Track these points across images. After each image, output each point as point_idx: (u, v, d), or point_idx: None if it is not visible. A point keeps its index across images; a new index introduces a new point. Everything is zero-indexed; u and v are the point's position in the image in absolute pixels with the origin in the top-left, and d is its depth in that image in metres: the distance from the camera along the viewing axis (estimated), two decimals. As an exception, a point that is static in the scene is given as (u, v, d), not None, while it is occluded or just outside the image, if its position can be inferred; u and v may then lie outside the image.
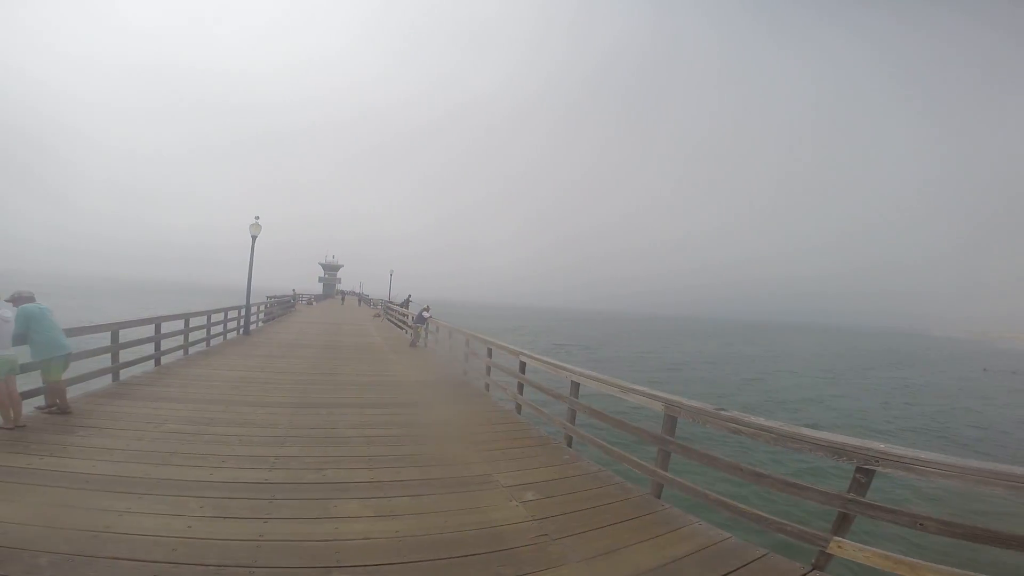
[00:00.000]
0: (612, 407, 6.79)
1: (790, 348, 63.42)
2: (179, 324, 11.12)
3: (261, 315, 21.88)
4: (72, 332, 7.09)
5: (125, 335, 8.58)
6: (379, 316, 30.56)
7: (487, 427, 7.17)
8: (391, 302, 38.94)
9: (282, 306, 29.13)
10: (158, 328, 9.78)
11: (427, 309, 15.89)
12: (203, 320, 12.70)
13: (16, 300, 5.63)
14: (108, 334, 8.07)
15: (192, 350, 11.76)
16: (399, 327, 24.66)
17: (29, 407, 5.95)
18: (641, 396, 5.33)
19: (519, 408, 8.12)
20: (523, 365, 8.14)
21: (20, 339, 5.52)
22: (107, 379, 7.97)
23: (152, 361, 9.65)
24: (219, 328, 14.17)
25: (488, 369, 9.72)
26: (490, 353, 9.80)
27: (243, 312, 16.44)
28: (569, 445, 6.44)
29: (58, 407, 5.92)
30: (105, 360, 8.00)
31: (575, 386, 6.52)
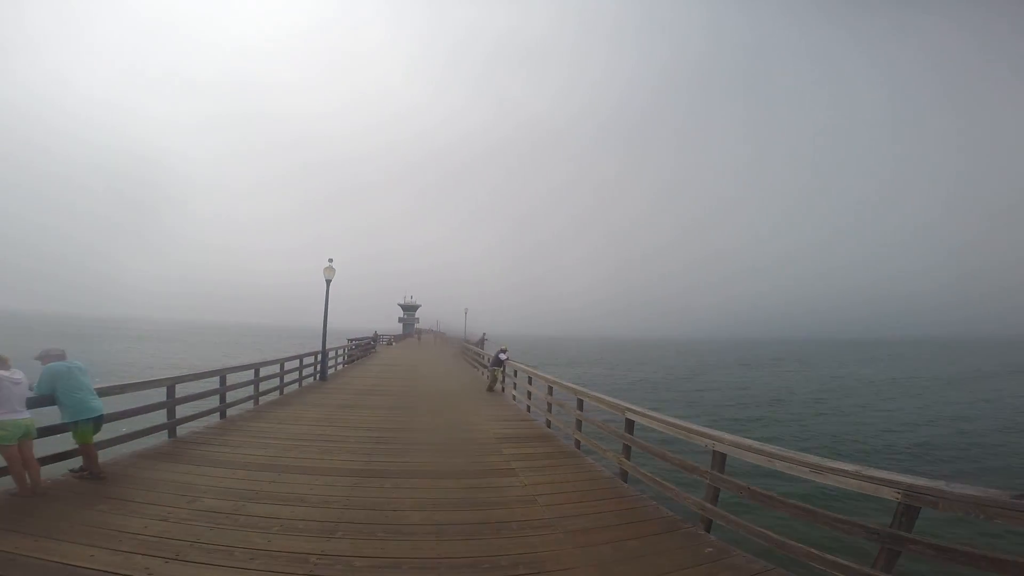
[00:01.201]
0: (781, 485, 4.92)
1: (921, 367, 54.13)
2: (249, 374, 10.75)
3: (341, 358, 22.00)
4: (125, 388, 6.61)
5: (186, 388, 8.13)
6: (456, 356, 29.92)
7: (587, 505, 5.55)
8: (467, 340, 38.52)
9: (362, 348, 29.44)
10: (223, 380, 9.34)
11: (504, 350, 14.59)
12: (275, 368, 12.34)
13: (44, 358, 5.24)
14: (164, 389, 7.62)
15: (265, 399, 11.35)
16: (474, 367, 23.71)
17: (63, 469, 5.39)
18: (855, 479, 3.57)
19: (625, 475, 6.41)
20: (630, 424, 6.44)
21: (45, 400, 5.10)
22: (164, 435, 7.48)
23: (218, 414, 9.18)
24: (294, 375, 13.87)
25: (579, 424, 8.10)
26: (581, 405, 8.19)
27: (319, 358, 16.20)
28: (708, 530, 4.74)
29: (90, 472, 5.32)
30: (163, 415, 7.54)
31: (718, 459, 4.75)
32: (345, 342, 29.82)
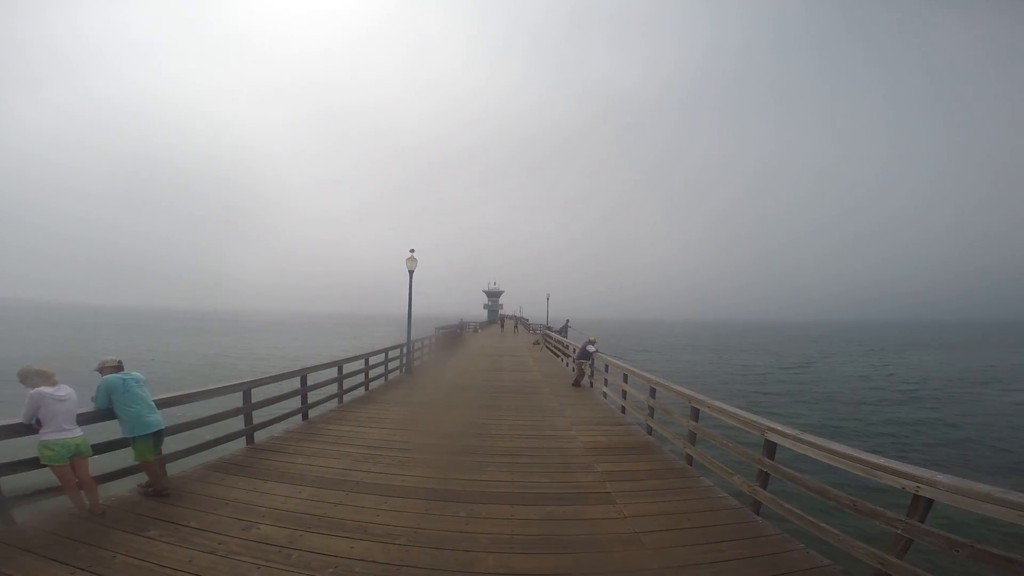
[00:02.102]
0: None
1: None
2: (334, 371, 10.64)
3: (432, 347, 22.18)
4: (193, 396, 6.42)
5: (263, 392, 7.99)
6: (538, 344, 29.11)
7: (710, 549, 4.32)
8: (549, 328, 37.55)
9: (450, 337, 29.84)
10: (304, 380, 9.15)
11: (592, 341, 13.33)
12: (360, 364, 12.22)
13: (101, 369, 5.04)
14: (240, 394, 7.45)
15: (352, 396, 11.26)
16: (557, 356, 22.70)
17: (132, 483, 5.21)
18: None
19: (758, 507, 5.05)
20: (771, 447, 5.03)
21: (103, 414, 4.90)
22: (241, 442, 7.33)
23: (300, 416, 9.05)
24: (380, 369, 13.80)
25: (692, 436, 6.75)
26: (696, 415, 6.81)
27: (404, 351, 16.14)
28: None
29: (154, 489, 5.06)
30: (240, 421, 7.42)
31: (921, 506, 3.31)
32: (433, 331, 30.58)
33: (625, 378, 10.26)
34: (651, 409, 8.53)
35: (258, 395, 7.89)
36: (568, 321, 33.55)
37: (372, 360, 12.92)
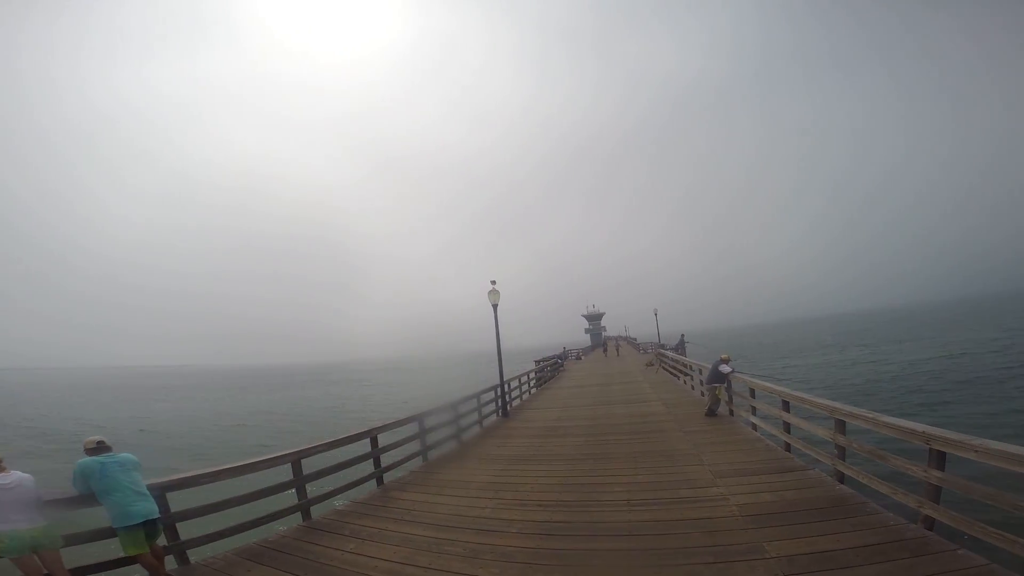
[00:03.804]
0: None
1: None
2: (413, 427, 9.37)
3: (531, 382, 20.58)
4: (227, 474, 5.45)
5: (323, 460, 6.84)
6: (651, 364, 26.03)
7: None
8: (663, 346, 34.01)
9: (551, 368, 28.06)
10: (374, 441, 7.93)
11: (726, 360, 10.61)
12: (449, 414, 10.89)
13: (85, 451, 4.50)
14: (289, 466, 6.38)
15: (440, 450, 9.92)
16: (676, 376, 19.69)
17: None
18: None
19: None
20: None
21: (80, 500, 4.39)
22: (295, 520, 6.28)
23: (374, 481, 7.80)
24: (474, 416, 12.39)
25: (934, 491, 4.21)
26: (940, 461, 4.27)
27: (499, 392, 14.64)
28: None
29: None
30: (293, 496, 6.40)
31: None
32: (532, 364, 29.04)
33: (786, 406, 7.55)
34: (840, 449, 5.89)
35: (317, 463, 6.82)
36: (684, 336, 29.96)
37: (461, 408, 11.53)
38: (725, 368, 10.38)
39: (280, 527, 6.16)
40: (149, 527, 4.42)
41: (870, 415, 5.38)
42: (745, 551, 4.37)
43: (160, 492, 4.85)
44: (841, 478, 5.87)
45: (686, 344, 29.09)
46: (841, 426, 5.89)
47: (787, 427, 7.57)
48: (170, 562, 4.93)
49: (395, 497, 7.04)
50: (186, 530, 5.27)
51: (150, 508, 4.40)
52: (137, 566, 4.44)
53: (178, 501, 5.20)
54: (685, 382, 17.45)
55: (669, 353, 24.74)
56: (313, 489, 6.73)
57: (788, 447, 7.52)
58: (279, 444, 20.36)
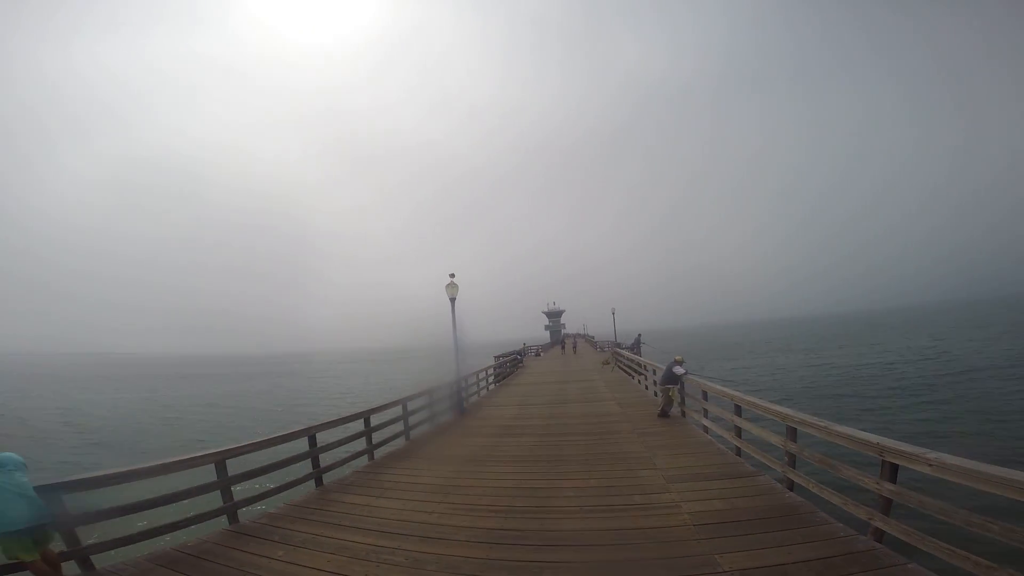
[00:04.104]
0: None
1: None
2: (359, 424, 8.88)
3: (490, 378, 20.33)
4: (157, 471, 4.95)
5: (254, 459, 6.30)
6: (608, 363, 26.31)
7: None
8: (619, 345, 34.56)
9: (511, 364, 27.92)
10: (312, 440, 7.43)
11: (680, 362, 10.69)
12: (397, 411, 10.43)
13: None
14: (212, 466, 5.84)
15: (387, 448, 9.49)
16: (631, 375, 19.95)
17: None
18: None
19: None
20: None
21: None
22: (221, 523, 5.77)
23: (313, 481, 7.32)
24: (425, 413, 11.96)
25: (886, 504, 4.23)
26: (893, 474, 4.32)
27: (455, 388, 14.25)
28: None
29: None
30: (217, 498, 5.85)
31: None
32: (492, 360, 28.74)
33: (738, 410, 7.59)
34: (790, 456, 5.93)
35: (246, 463, 6.28)
36: (640, 336, 30.47)
37: (412, 405, 11.06)
38: (679, 369, 10.44)
39: (203, 532, 5.61)
40: (38, 532, 3.92)
41: (822, 423, 5.41)
42: (698, 564, 4.25)
43: (55, 494, 4.29)
44: (791, 486, 5.91)
45: (642, 344, 29.63)
46: (792, 433, 5.93)
47: (738, 431, 7.63)
48: (71, 567, 4.43)
49: (334, 500, 6.59)
50: (92, 534, 4.70)
51: (34, 512, 3.88)
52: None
53: (83, 503, 4.63)
54: (640, 382, 17.64)
55: (625, 352, 25.08)
56: (243, 491, 6.20)
57: (739, 452, 7.58)
58: (214, 440, 19.21)
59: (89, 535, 4.73)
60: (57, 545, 4.28)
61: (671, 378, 10.59)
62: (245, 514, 6.08)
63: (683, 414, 10.84)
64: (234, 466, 6.16)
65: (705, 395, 9.22)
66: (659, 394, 11.72)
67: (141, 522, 5.08)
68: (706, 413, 9.16)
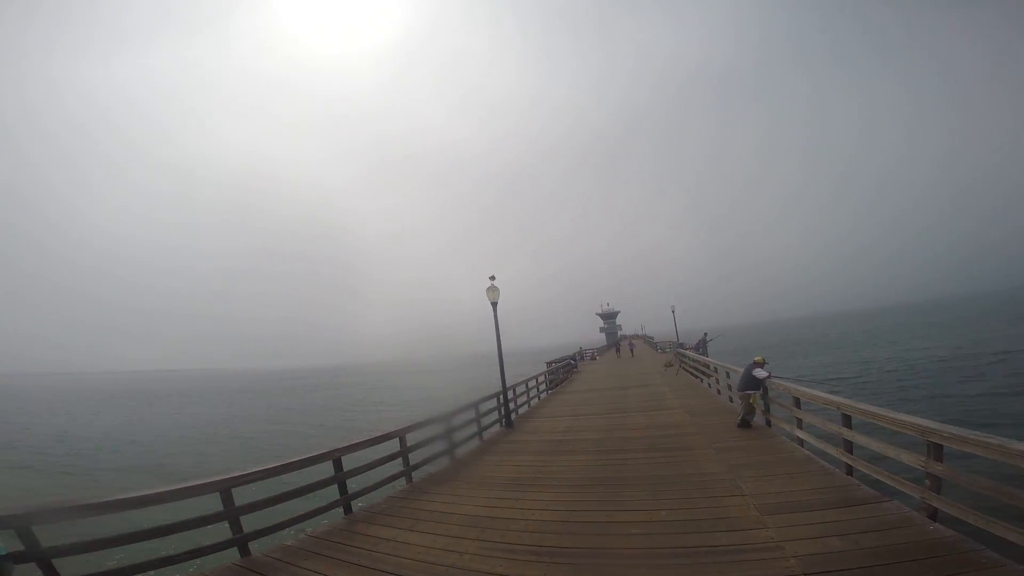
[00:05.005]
0: None
1: None
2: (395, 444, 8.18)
3: (541, 386, 19.31)
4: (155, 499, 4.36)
5: (266, 488, 5.68)
6: (671, 365, 24.58)
7: None
8: (682, 345, 32.51)
9: (564, 370, 26.78)
10: (338, 464, 6.77)
11: (761, 363, 9.24)
12: (440, 427, 9.65)
13: None
14: (218, 494, 5.28)
15: (429, 468, 8.75)
16: (698, 376, 18.32)
17: None
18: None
19: None
20: None
21: None
22: (231, 556, 5.23)
23: (341, 509, 6.66)
24: (473, 427, 11.15)
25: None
26: None
27: (501, 399, 13.36)
28: None
29: None
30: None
31: None
32: (544, 366, 27.74)
33: (847, 420, 6.18)
34: (933, 479, 4.56)
35: (254, 492, 5.69)
36: (706, 334, 28.38)
37: (455, 420, 10.25)
38: (761, 372, 9.00)
39: (209, 566, 5.08)
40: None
41: (985, 439, 4.04)
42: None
43: (22, 524, 3.91)
44: (933, 514, 4.55)
45: (709, 342, 27.54)
46: (936, 451, 4.55)
47: (849, 446, 6.22)
48: None
49: (360, 532, 5.85)
50: (69, 567, 4.20)
51: None
52: None
53: (58, 534, 4.15)
54: (710, 385, 16.05)
55: (689, 353, 23.28)
56: (256, 521, 5.62)
57: (850, 470, 6.18)
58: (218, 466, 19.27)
59: (70, 569, 4.24)
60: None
61: (751, 382, 9.16)
62: (260, 546, 5.50)
63: (768, 423, 9.37)
64: (247, 494, 5.61)
65: (798, 402, 7.76)
66: (735, 399, 10.29)
67: (125, 555, 4.55)
68: (800, 423, 7.71)
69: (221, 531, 5.25)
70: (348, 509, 6.73)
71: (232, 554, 5.23)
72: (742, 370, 9.79)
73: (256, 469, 5.80)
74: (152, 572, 4.51)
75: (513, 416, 14.01)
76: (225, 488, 5.29)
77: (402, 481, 8.09)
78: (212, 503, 5.24)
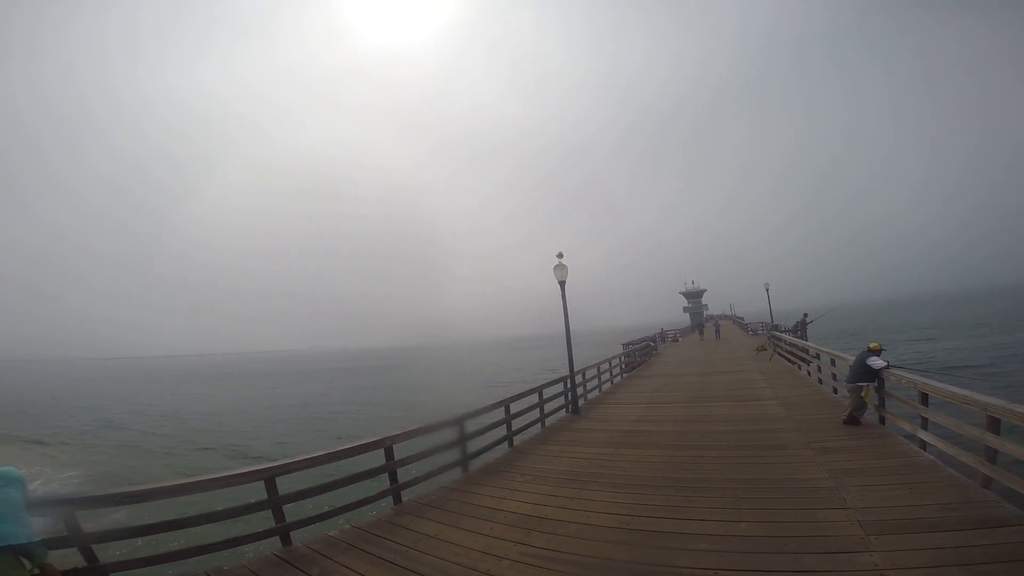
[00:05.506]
0: None
1: None
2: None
3: (614, 369, 18.46)
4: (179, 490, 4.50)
5: (310, 477, 5.65)
6: (763, 349, 22.51)
7: None
8: (776, 326, 29.79)
9: (642, 353, 25.52)
10: (389, 453, 6.61)
11: (877, 351, 7.83)
12: (500, 413, 9.34)
13: None
14: (262, 482, 5.28)
15: (486, 457, 8.51)
16: (794, 362, 16.51)
17: None
18: None
19: None
20: None
21: None
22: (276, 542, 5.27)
23: (392, 498, 6.54)
24: (535, 414, 10.76)
25: None
26: None
27: (568, 384, 12.81)
28: None
29: None
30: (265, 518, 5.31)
31: None
32: (620, 348, 26.64)
33: (994, 424, 4.94)
34: None
35: (298, 481, 5.69)
36: (806, 315, 25.65)
37: (515, 407, 9.85)
38: (877, 361, 7.63)
39: (250, 554, 5.18)
40: (21, 549, 3.71)
41: None
42: None
43: (68, 508, 4.16)
44: None
45: (808, 324, 24.86)
46: None
47: (992, 454, 4.99)
48: None
49: (404, 525, 5.66)
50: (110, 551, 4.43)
51: (9, 532, 3.65)
52: None
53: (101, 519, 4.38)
54: (809, 373, 14.35)
55: (785, 336, 21.10)
56: (301, 510, 5.66)
57: (988, 483, 4.98)
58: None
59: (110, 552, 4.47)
60: (78, 561, 4.12)
61: (864, 373, 7.79)
62: (300, 535, 5.51)
63: (882, 421, 8.00)
64: (296, 480, 5.65)
65: (925, 398, 6.42)
66: (840, 391, 8.94)
67: (164, 541, 4.70)
68: (925, 423, 6.41)
69: (265, 520, 5.30)
70: (398, 499, 6.60)
71: (274, 543, 5.27)
72: (852, 358, 8.41)
73: (302, 457, 5.79)
74: (191, 559, 4.62)
75: (581, 402, 13.45)
76: (269, 476, 5.32)
77: (458, 470, 7.90)
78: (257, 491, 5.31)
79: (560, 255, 13.72)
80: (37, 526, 3.73)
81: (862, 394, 7.97)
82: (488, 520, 5.57)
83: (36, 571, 3.77)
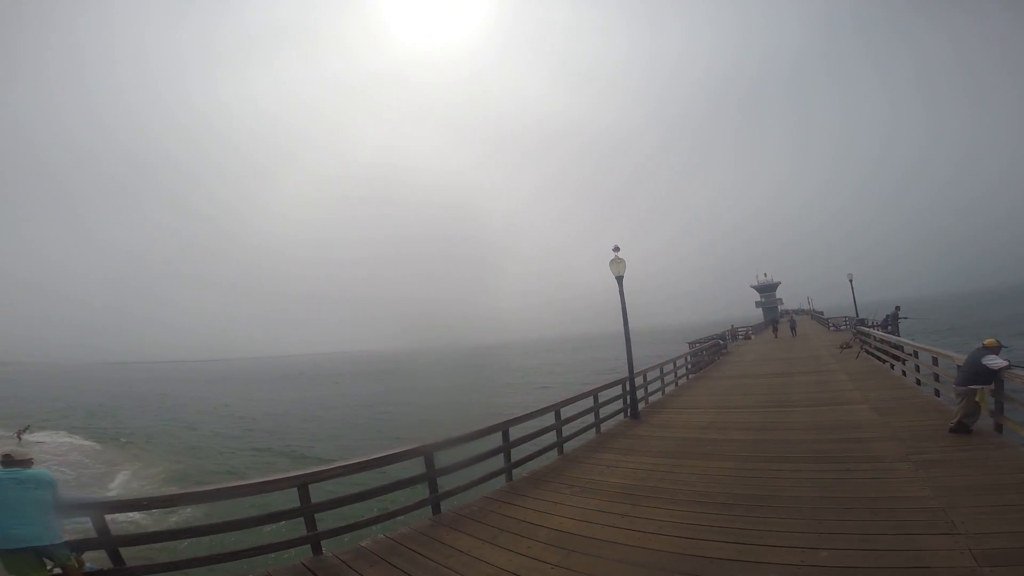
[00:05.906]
0: None
1: None
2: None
3: (679, 370, 17.40)
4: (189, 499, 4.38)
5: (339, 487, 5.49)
6: (848, 346, 20.51)
7: None
8: (863, 321, 27.17)
9: (710, 352, 24.02)
10: (429, 461, 6.37)
11: (995, 348, 6.68)
12: (550, 418, 8.87)
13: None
14: (295, 489, 5.19)
15: (532, 465, 8.10)
16: (885, 360, 14.80)
17: None
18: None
19: None
20: None
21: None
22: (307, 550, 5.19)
23: (430, 508, 6.29)
24: (589, 418, 10.20)
25: None
26: None
27: (627, 387, 12.11)
28: None
29: None
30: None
31: None
32: (686, 347, 25.19)
33: None
34: None
35: (326, 491, 5.60)
36: (898, 308, 23.14)
37: (566, 412, 9.31)
38: (995, 361, 6.47)
39: (279, 562, 5.17)
40: (44, 551, 3.90)
41: None
42: None
43: (96, 512, 4.33)
44: None
45: (901, 320, 22.36)
46: None
47: None
48: None
49: (438, 538, 5.38)
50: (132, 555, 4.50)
51: (33, 533, 3.85)
52: None
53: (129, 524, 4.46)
54: (904, 373, 12.79)
55: (874, 331, 19.06)
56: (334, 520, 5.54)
57: None
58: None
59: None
60: (102, 563, 4.26)
61: (979, 374, 6.64)
62: (332, 544, 5.40)
63: (999, 429, 6.81)
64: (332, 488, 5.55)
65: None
66: (943, 394, 7.73)
67: (191, 547, 4.69)
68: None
69: (297, 527, 5.22)
70: (437, 508, 6.35)
71: (304, 552, 5.17)
72: (963, 357, 7.24)
73: (336, 465, 5.69)
74: (218, 565, 4.59)
75: (641, 405, 12.71)
76: (303, 484, 5.23)
77: (502, 479, 7.54)
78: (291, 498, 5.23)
79: (616, 248, 12.99)
80: (64, 528, 3.88)
81: (976, 398, 6.79)
82: (527, 537, 5.16)
83: (59, 571, 3.92)
